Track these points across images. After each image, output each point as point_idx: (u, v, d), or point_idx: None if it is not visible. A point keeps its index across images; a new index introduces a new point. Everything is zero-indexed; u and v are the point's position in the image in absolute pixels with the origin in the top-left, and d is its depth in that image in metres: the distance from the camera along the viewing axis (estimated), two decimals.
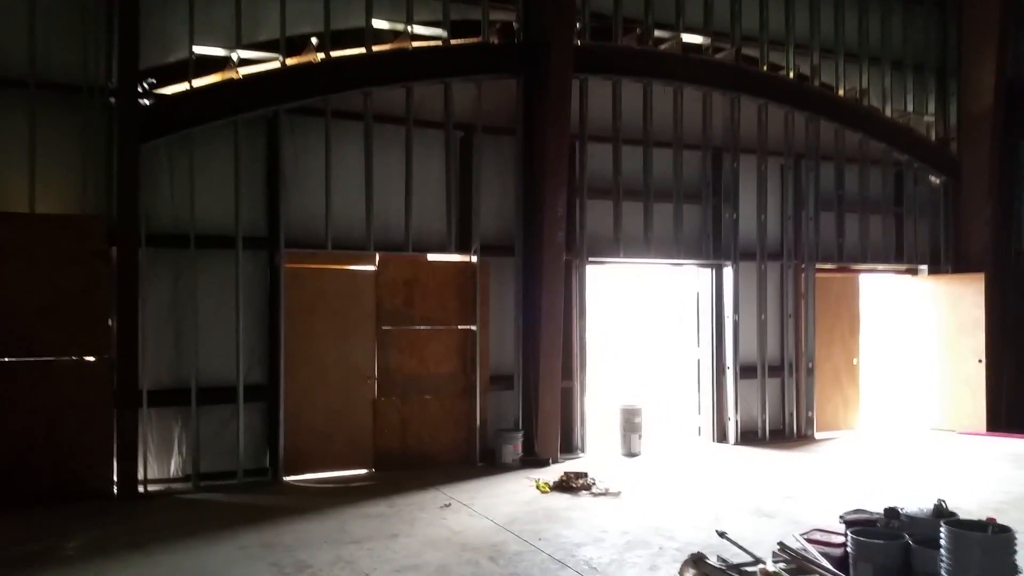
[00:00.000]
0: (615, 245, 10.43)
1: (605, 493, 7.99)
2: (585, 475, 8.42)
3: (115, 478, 7.95)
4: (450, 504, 7.54)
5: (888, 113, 12.28)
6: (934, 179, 12.80)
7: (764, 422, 11.24)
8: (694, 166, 11.02)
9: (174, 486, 8.36)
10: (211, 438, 8.56)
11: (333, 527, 6.76)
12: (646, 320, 13.51)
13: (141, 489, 8.11)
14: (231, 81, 8.59)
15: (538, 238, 9.65)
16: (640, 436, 10.24)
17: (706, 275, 11.29)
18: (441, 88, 9.48)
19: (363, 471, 9.10)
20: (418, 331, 9.49)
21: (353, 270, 9.31)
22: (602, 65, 10.25)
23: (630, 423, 10.22)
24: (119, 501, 7.79)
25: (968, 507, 7.42)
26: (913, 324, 12.59)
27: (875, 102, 12.31)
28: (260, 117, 8.78)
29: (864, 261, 12.07)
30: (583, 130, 10.22)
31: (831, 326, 11.91)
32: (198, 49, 8.52)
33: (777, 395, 11.51)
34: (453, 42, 9.62)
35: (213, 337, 8.60)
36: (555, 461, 9.57)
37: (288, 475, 8.75)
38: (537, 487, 8.18)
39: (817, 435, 11.48)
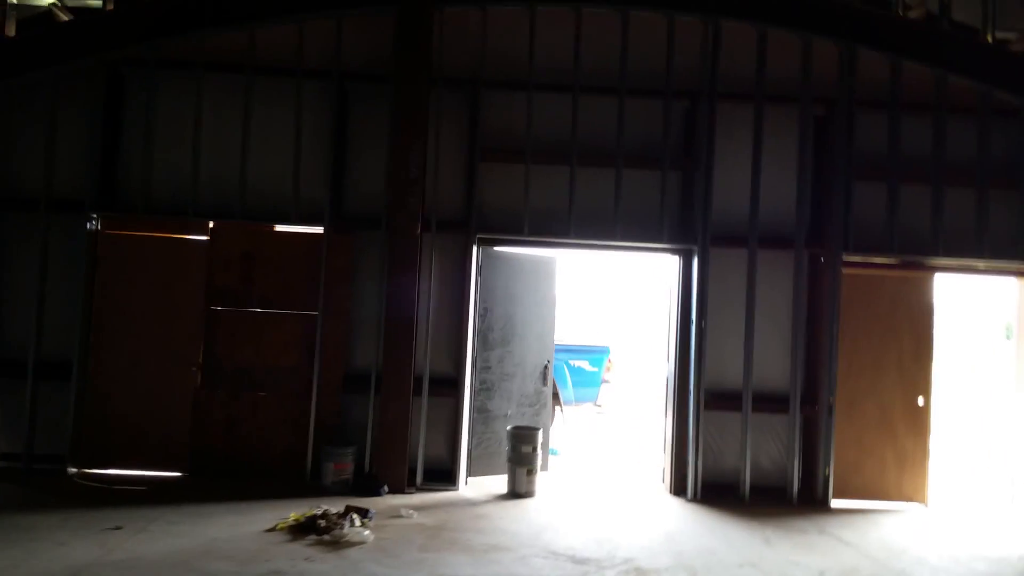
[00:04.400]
0: (520, 221, 8.08)
1: (336, 543, 5.86)
2: (350, 515, 6.32)
3: None
4: (122, 527, 6.00)
5: (989, 38, 8.30)
6: None
7: (745, 475, 8.02)
8: (652, 119, 8.24)
9: None
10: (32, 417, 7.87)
11: None
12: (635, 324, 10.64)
13: None
14: (34, 33, 7.89)
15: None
16: (531, 471, 7.74)
17: (675, 265, 8.40)
18: (321, 29, 8.04)
19: (177, 474, 7.84)
20: (255, 314, 8.03)
21: (182, 239, 8.08)
22: None
23: (518, 453, 7.77)
24: None
25: None
26: None
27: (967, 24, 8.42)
28: (96, 69, 7.96)
29: (935, 254, 8.15)
30: (480, 74, 8.07)
31: (880, 346, 8.25)
32: None
33: (780, 439, 8.22)
34: None
35: (42, 310, 7.91)
36: (399, 491, 7.51)
37: (91, 467, 7.78)
38: (278, 524, 6.27)
39: (838, 503, 7.95)
